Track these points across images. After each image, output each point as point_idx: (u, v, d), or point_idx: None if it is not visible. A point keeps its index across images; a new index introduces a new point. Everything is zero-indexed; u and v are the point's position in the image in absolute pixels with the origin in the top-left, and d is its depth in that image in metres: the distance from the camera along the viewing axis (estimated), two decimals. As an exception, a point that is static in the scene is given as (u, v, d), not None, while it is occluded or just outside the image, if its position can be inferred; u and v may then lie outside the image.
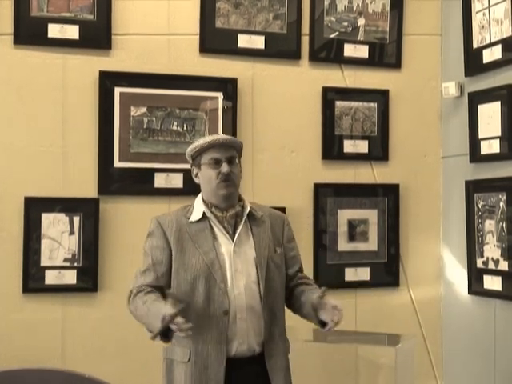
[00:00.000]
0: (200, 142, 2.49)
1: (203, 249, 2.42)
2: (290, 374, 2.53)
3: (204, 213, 2.46)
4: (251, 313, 2.41)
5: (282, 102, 3.69)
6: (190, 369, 2.40)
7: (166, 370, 2.49)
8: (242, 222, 2.47)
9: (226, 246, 2.44)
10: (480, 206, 3.54)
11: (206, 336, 2.38)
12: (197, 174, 2.52)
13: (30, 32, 3.35)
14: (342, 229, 3.72)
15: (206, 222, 2.46)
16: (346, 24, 3.77)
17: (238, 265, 2.43)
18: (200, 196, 2.54)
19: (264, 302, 2.43)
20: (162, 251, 2.45)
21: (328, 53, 3.76)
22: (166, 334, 2.25)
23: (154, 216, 2.54)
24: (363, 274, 3.75)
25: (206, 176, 2.48)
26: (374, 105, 3.80)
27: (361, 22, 3.79)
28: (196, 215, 2.48)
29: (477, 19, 3.58)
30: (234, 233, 2.46)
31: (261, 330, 2.43)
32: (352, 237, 3.74)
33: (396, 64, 3.84)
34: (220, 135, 2.59)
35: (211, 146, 2.45)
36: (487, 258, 3.49)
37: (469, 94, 3.62)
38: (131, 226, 3.42)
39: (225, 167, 2.43)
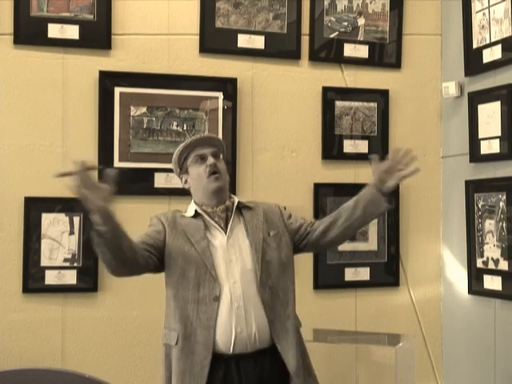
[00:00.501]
0: (182, 144, 2.55)
1: (195, 238, 2.46)
2: (304, 350, 2.51)
3: (196, 211, 2.52)
4: (249, 300, 2.41)
5: (282, 102, 3.69)
6: (178, 353, 2.41)
7: (164, 355, 2.50)
8: (233, 215, 2.51)
9: (219, 238, 2.48)
10: (480, 206, 3.54)
11: (195, 321, 2.39)
12: (186, 180, 2.58)
13: (29, 32, 3.35)
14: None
15: (199, 218, 2.52)
16: (346, 24, 3.77)
17: (232, 255, 2.45)
18: (192, 200, 2.59)
19: (264, 284, 2.44)
20: (157, 233, 2.49)
21: (328, 53, 3.76)
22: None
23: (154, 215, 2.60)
24: (363, 273, 3.75)
25: (194, 175, 2.53)
26: (374, 105, 3.80)
27: (361, 21, 3.79)
28: (189, 213, 2.54)
29: (477, 19, 3.58)
30: (227, 226, 2.50)
31: (261, 316, 2.42)
32: (352, 237, 3.73)
33: (396, 64, 3.84)
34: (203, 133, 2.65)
35: (196, 143, 2.52)
36: (487, 258, 3.49)
37: (469, 93, 3.62)
38: (131, 225, 3.39)
39: (211, 160, 2.49)
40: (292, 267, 2.58)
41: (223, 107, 3.56)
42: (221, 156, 2.57)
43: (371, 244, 3.76)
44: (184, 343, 2.40)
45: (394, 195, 3.74)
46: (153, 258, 2.45)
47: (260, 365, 2.41)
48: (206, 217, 2.51)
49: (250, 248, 2.48)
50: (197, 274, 2.41)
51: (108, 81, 3.42)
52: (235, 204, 2.54)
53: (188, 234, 2.47)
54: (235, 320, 2.38)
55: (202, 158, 2.51)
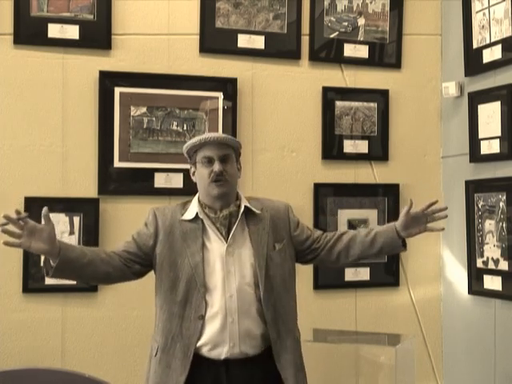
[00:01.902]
0: (194, 139, 2.44)
1: (191, 250, 2.37)
2: (302, 370, 2.47)
3: (197, 213, 2.42)
4: (244, 315, 2.36)
5: (282, 102, 3.69)
6: (155, 365, 2.39)
7: (148, 359, 2.48)
8: (237, 223, 2.41)
9: (218, 247, 2.39)
10: (480, 206, 3.54)
11: (177, 336, 2.36)
12: (194, 172, 2.48)
13: (29, 32, 3.35)
14: (342, 229, 3.71)
15: (199, 222, 2.42)
16: (346, 24, 3.77)
17: (230, 266, 2.37)
18: (197, 195, 2.50)
19: (266, 301, 2.38)
20: (147, 237, 2.43)
21: (328, 53, 3.76)
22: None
23: (153, 207, 2.52)
24: (363, 274, 3.74)
25: (199, 174, 2.44)
26: (374, 105, 3.80)
27: (361, 21, 3.79)
28: (189, 214, 2.44)
29: (477, 19, 3.58)
30: (228, 233, 2.40)
31: (255, 332, 2.37)
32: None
33: (396, 64, 3.84)
34: (215, 133, 2.51)
35: (204, 144, 2.41)
36: (487, 258, 3.49)
37: (469, 93, 3.62)
38: (131, 226, 3.38)
39: (216, 166, 2.38)
40: (294, 281, 2.52)
41: (223, 107, 3.56)
42: (233, 157, 2.44)
43: (371, 244, 3.76)
44: (162, 356, 2.37)
45: (394, 201, 3.76)
46: (134, 267, 2.43)
47: (250, 369, 2.37)
48: (208, 221, 2.41)
49: (253, 261, 2.39)
50: (186, 289, 2.35)
51: (108, 81, 3.42)
52: (241, 210, 2.43)
53: (185, 243, 2.39)
54: (229, 335, 2.33)
55: (209, 162, 2.39)
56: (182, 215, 2.44)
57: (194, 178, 2.50)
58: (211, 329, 2.34)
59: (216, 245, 2.40)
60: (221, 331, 2.34)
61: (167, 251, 2.40)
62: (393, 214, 3.78)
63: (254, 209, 2.47)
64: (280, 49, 3.67)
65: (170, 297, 2.38)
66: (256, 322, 2.38)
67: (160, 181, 3.47)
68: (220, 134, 2.53)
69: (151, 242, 2.43)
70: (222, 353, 2.34)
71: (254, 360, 2.38)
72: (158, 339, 2.40)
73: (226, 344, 2.34)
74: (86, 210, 3.37)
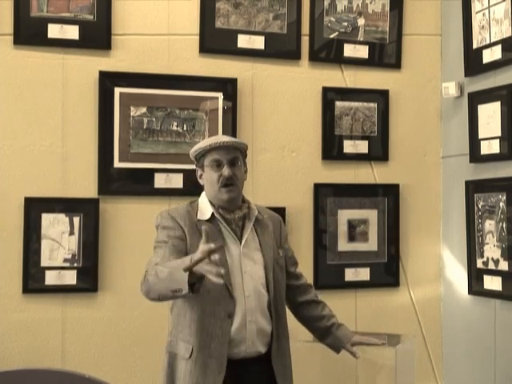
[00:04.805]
0: (202, 144, 2.47)
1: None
2: (292, 372, 2.55)
3: (213, 213, 2.44)
4: (260, 315, 2.43)
5: (282, 102, 3.69)
6: (190, 366, 2.39)
7: (167, 363, 2.47)
8: (251, 225, 2.47)
9: (234, 247, 2.43)
10: (480, 206, 3.54)
11: (210, 335, 2.38)
12: (201, 175, 2.50)
13: (29, 32, 3.35)
14: (342, 229, 3.72)
15: (215, 222, 2.44)
16: (345, 24, 3.77)
17: (246, 267, 2.43)
18: (204, 195, 2.51)
19: (273, 303, 2.46)
20: (181, 242, 2.39)
21: (328, 53, 3.76)
22: (192, 285, 2.18)
23: (163, 210, 2.51)
24: (363, 274, 3.75)
25: (208, 178, 2.46)
26: (374, 105, 3.80)
27: (361, 22, 3.79)
28: (205, 215, 2.45)
29: (477, 19, 3.58)
30: (241, 234, 2.45)
31: (267, 330, 2.45)
32: (352, 237, 3.74)
33: (396, 64, 3.84)
34: (223, 137, 2.55)
35: (213, 148, 2.43)
36: (487, 258, 3.49)
37: (469, 94, 3.62)
38: (131, 226, 3.43)
39: (226, 170, 2.40)
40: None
41: (223, 107, 3.56)
42: (241, 160, 2.47)
43: (371, 244, 3.76)
44: (198, 356, 2.37)
45: (394, 201, 3.76)
46: None
47: (263, 366, 2.44)
48: (223, 222, 2.44)
49: (263, 263, 2.46)
50: (213, 289, 2.34)
51: (108, 81, 3.42)
52: (254, 213, 2.48)
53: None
54: (248, 334, 2.39)
55: (218, 165, 2.42)
56: (197, 215, 2.45)
57: (201, 181, 2.52)
58: (234, 327, 2.39)
59: (231, 245, 2.44)
60: (241, 330, 2.39)
61: (191, 251, 2.36)
62: (393, 214, 3.79)
63: (262, 213, 2.53)
64: (280, 49, 3.67)
65: (202, 296, 2.35)
66: (268, 321, 2.46)
67: (160, 181, 3.47)
68: (228, 137, 2.53)
69: (185, 243, 2.39)
70: (240, 351, 2.40)
71: (264, 357, 2.45)
72: (191, 340, 2.39)
73: (244, 343, 2.40)
74: (86, 211, 3.37)
